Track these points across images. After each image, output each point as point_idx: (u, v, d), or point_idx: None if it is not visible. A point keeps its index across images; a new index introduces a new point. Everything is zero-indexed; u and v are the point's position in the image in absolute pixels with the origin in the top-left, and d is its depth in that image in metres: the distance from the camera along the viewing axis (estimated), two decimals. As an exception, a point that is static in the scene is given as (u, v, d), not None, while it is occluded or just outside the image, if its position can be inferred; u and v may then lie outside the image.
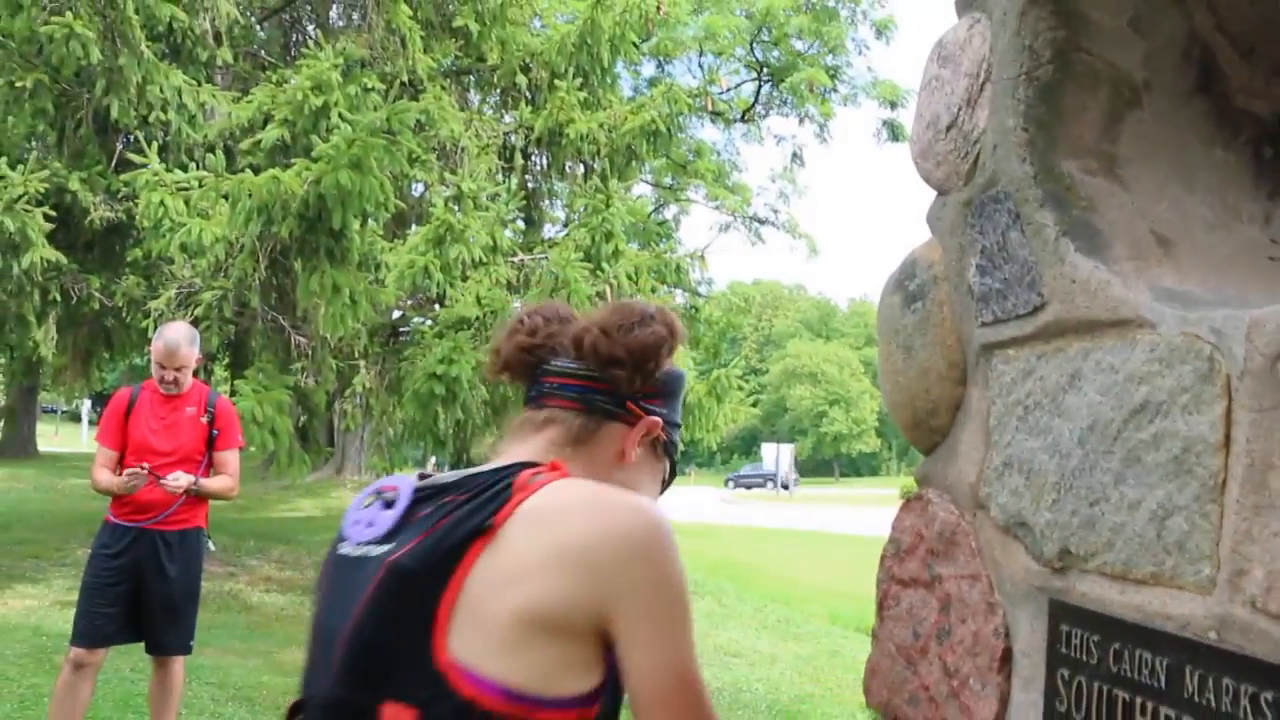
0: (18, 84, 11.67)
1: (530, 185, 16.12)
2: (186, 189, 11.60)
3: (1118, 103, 2.00)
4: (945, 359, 2.23)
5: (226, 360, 15.43)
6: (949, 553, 2.17)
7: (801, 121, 33.27)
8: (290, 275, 11.72)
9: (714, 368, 14.86)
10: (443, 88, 14.48)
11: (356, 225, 11.37)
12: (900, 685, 2.29)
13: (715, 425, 14.26)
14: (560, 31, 14.97)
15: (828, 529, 34.11)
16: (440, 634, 1.66)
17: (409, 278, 11.85)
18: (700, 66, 33.57)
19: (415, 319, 15.11)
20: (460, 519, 1.73)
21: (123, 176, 11.97)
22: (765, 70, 33.14)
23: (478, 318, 12.48)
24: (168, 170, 11.64)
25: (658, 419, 2.04)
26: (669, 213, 34.96)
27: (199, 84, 12.88)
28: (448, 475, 1.89)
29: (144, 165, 11.48)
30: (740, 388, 15.11)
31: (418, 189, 15.25)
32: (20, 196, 10.92)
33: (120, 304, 12.80)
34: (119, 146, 12.98)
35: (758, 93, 33.78)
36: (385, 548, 1.77)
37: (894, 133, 31.13)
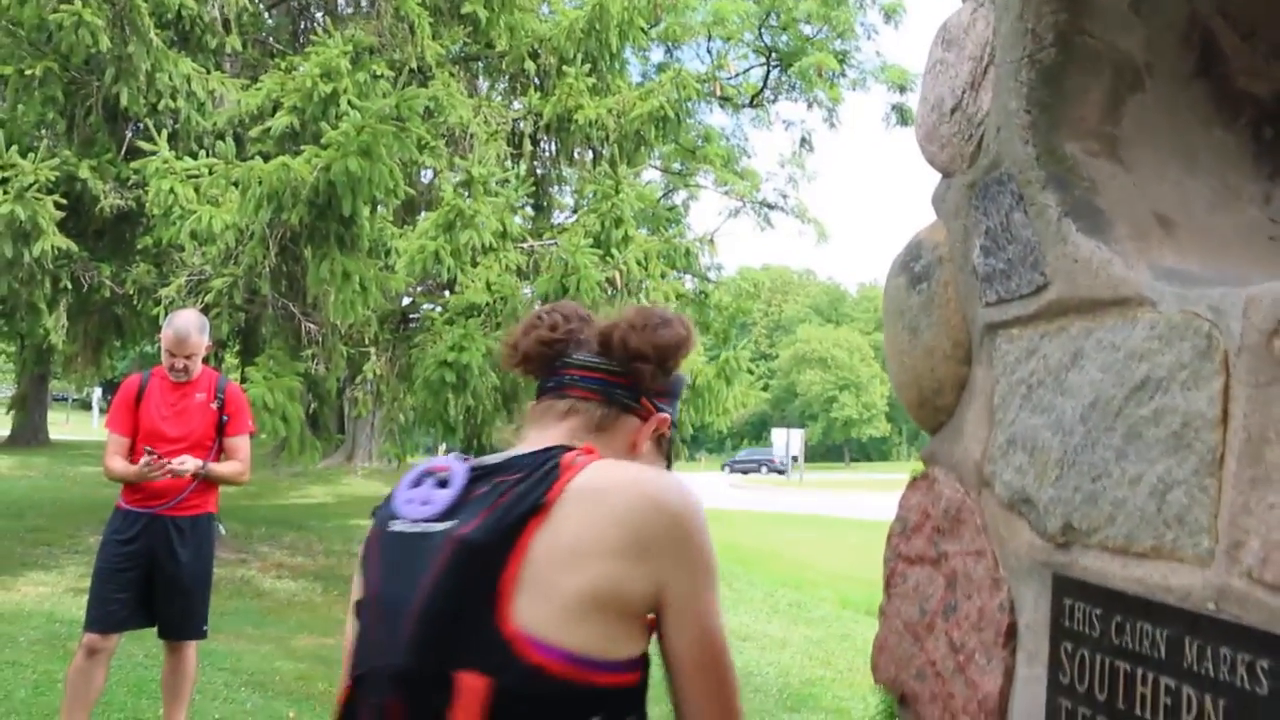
0: (27, 72, 11.70)
1: (539, 171, 16.11)
2: (196, 176, 11.63)
3: (1119, 85, 2.01)
4: (950, 339, 2.25)
5: (237, 347, 15.45)
6: (955, 530, 2.19)
7: (810, 106, 33.23)
8: (300, 262, 11.74)
9: (723, 351, 14.82)
10: (451, 74, 14.48)
11: (366, 212, 11.38)
12: (907, 661, 2.31)
13: (725, 409, 14.22)
14: (569, 17, 14.95)
15: (838, 514, 34.11)
16: (505, 605, 1.80)
17: (419, 263, 11.85)
18: (709, 51, 33.47)
19: (425, 305, 15.12)
20: (518, 496, 1.87)
21: (133, 164, 12.00)
22: (774, 55, 33.06)
23: (488, 304, 12.48)
24: (177, 158, 11.67)
25: (667, 416, 2.21)
26: (678, 198, 34.91)
27: (208, 71, 12.91)
28: (494, 457, 2.03)
29: (154, 153, 11.51)
30: (750, 370, 15.07)
31: (427, 175, 15.26)
32: (31, 185, 10.93)
33: (131, 292, 12.83)
34: (129, 134, 12.99)
35: (766, 78, 33.70)
36: (447, 524, 1.89)
37: (903, 117, 31.02)
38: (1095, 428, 1.76)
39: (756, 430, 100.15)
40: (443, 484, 1.97)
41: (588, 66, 14.71)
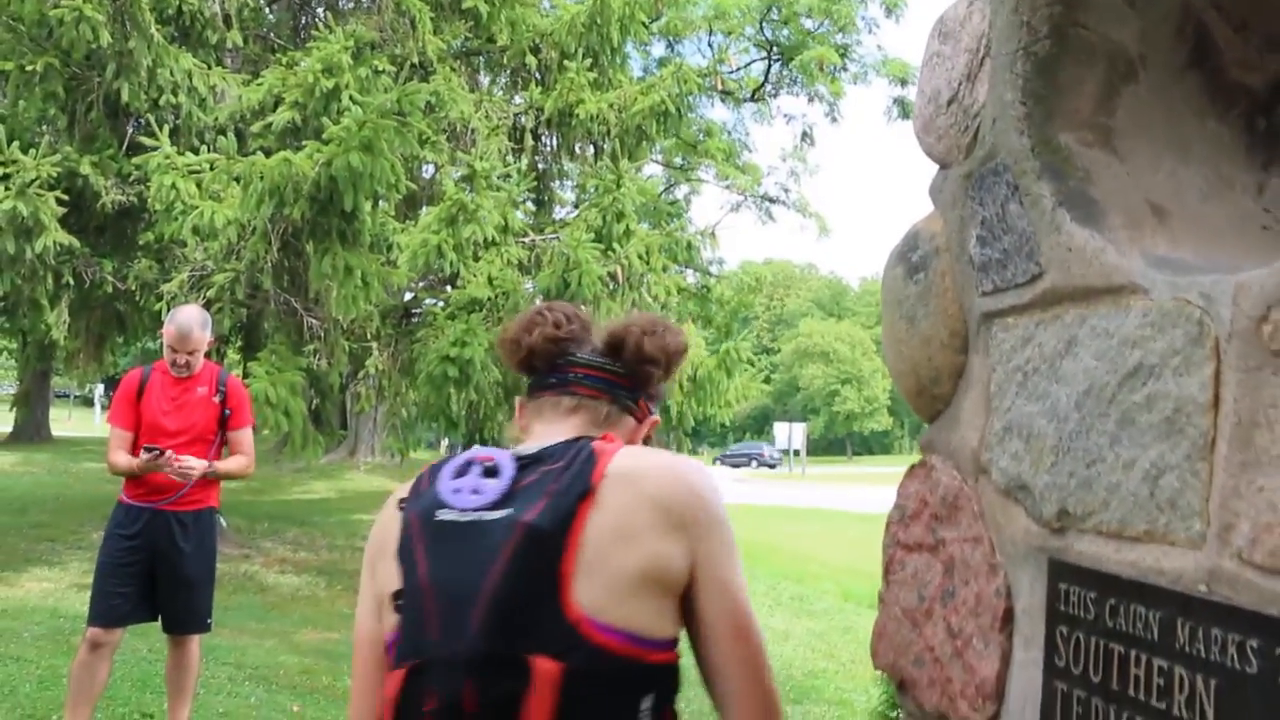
0: (28, 68, 11.72)
1: (540, 166, 16.13)
2: (198, 172, 11.66)
3: (1113, 77, 2.03)
4: (947, 328, 2.27)
5: (239, 343, 15.48)
6: (952, 517, 2.22)
7: (811, 100, 33.30)
8: (302, 257, 11.77)
9: (724, 343, 14.84)
10: (452, 69, 14.50)
11: (368, 207, 11.42)
12: (906, 647, 2.34)
13: (726, 401, 14.25)
14: (570, 12, 14.97)
15: (840, 507, 34.10)
16: (567, 588, 1.86)
17: (422, 257, 11.87)
18: (710, 46, 33.51)
19: (427, 300, 15.15)
20: (569, 482, 1.95)
21: (134, 160, 12.03)
22: (775, 49, 33.09)
23: (489, 299, 12.51)
24: (179, 153, 11.69)
25: (657, 419, 2.32)
26: (680, 193, 34.98)
27: (209, 67, 12.94)
28: (531, 447, 2.09)
29: (155, 148, 11.53)
30: (751, 362, 15.10)
31: (428, 170, 15.28)
32: (32, 181, 10.96)
33: (133, 287, 12.86)
34: (130, 130, 13.03)
35: (767, 72, 33.74)
36: (505, 512, 1.94)
37: (904, 111, 31.07)
38: (1089, 414, 1.78)
39: (759, 424, 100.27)
40: (490, 473, 2.01)
41: (589, 61, 14.75)
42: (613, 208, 13.61)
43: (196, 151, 12.03)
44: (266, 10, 15.76)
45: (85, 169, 12.17)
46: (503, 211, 12.76)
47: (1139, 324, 1.68)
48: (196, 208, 11.20)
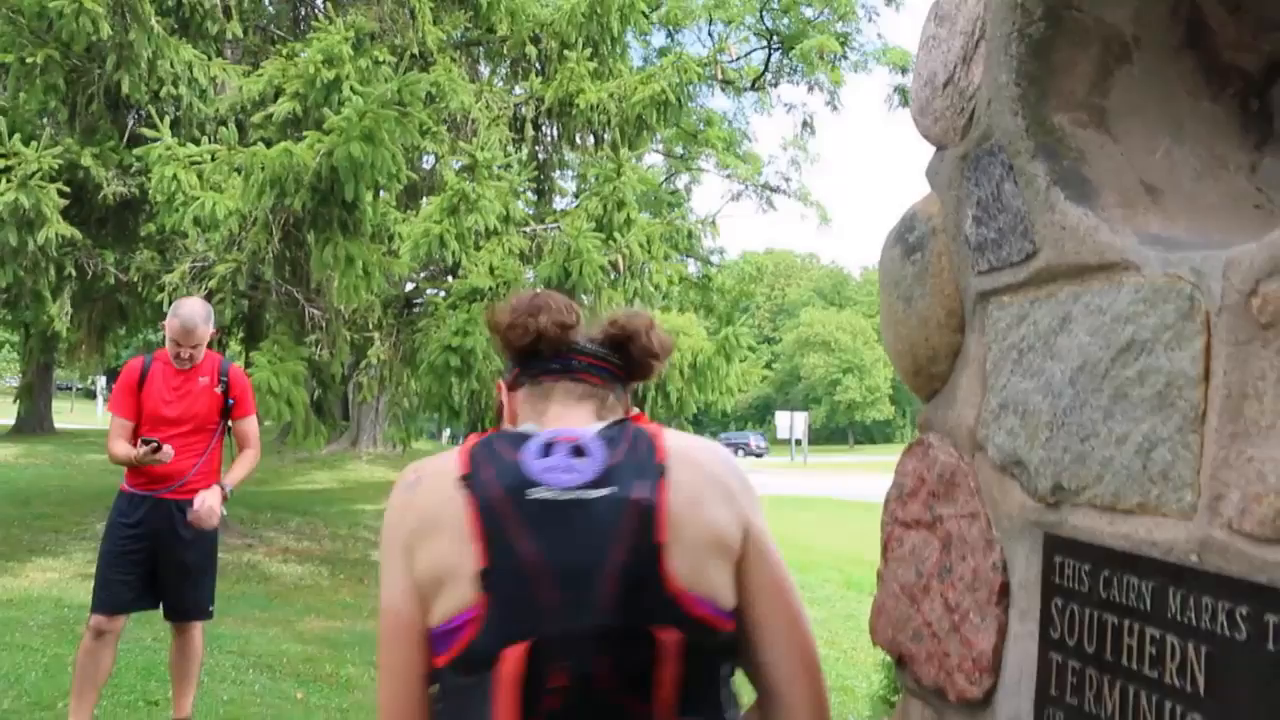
0: (29, 60, 11.71)
1: (541, 156, 16.12)
2: (199, 163, 11.66)
3: (1108, 58, 2.05)
4: (944, 307, 2.29)
5: (241, 333, 15.49)
6: (949, 494, 2.24)
7: (811, 89, 33.27)
8: (304, 248, 11.78)
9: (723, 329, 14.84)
10: (453, 59, 14.50)
11: (369, 197, 11.42)
12: (904, 623, 2.36)
13: (726, 387, 14.24)
14: (570, 2, 14.94)
15: (842, 495, 34.11)
16: (665, 564, 1.93)
17: (423, 247, 11.88)
18: (710, 35, 33.49)
19: (429, 290, 15.16)
20: (645, 460, 2.02)
21: (135, 151, 12.01)
22: (775, 38, 33.07)
23: (491, 288, 12.52)
24: (180, 144, 11.69)
25: (642, 414, 2.30)
26: (680, 182, 34.94)
27: (209, 58, 12.92)
28: (595, 427, 2.12)
29: (156, 140, 11.53)
30: (750, 349, 15.10)
31: (429, 161, 15.28)
32: (34, 173, 10.96)
33: (134, 279, 12.87)
34: (131, 121, 13.05)
35: (768, 61, 33.72)
36: (608, 490, 1.97)
37: (905, 99, 30.97)
38: (1083, 389, 1.81)
39: (760, 413, 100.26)
40: (577, 452, 2.02)
41: (589, 51, 14.72)
42: (613, 197, 13.62)
43: (197, 143, 12.02)
44: (266, 1, 15.75)
45: (86, 161, 12.17)
46: (504, 201, 12.77)
47: (1131, 300, 1.70)
48: (198, 199, 11.20)
